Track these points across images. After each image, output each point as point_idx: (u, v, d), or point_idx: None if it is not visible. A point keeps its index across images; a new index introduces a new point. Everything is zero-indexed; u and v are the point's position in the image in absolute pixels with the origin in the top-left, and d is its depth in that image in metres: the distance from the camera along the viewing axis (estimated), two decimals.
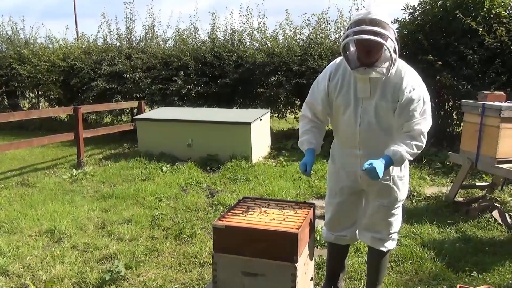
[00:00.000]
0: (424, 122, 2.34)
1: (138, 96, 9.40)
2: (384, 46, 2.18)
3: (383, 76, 2.29)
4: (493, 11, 6.67)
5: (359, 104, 2.41)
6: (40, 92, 11.76)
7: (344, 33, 2.31)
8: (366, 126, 2.41)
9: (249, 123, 6.65)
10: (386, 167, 2.31)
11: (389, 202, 2.54)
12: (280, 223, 2.35)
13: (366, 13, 2.21)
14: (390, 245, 2.66)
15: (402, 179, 2.55)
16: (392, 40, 2.18)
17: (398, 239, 3.72)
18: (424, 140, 2.36)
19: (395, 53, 2.20)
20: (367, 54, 2.25)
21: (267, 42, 9.09)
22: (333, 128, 2.64)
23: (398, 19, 7.72)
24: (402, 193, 2.57)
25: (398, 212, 2.61)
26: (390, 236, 2.63)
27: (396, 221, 2.63)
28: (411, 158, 2.39)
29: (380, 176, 2.25)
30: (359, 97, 2.40)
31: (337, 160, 2.66)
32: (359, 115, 2.41)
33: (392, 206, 2.55)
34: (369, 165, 2.24)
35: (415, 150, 2.34)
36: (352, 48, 2.32)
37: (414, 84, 2.32)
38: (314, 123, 2.61)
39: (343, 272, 2.97)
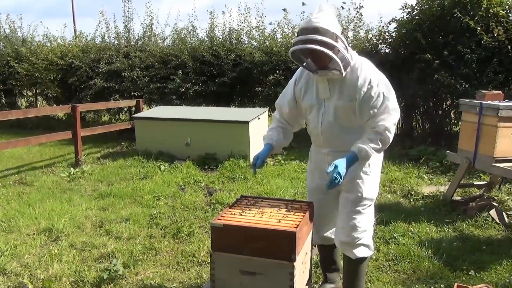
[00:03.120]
0: (388, 117, 2.32)
1: (136, 94, 9.39)
2: (326, 52, 2.19)
3: (340, 75, 2.33)
4: (491, 11, 6.67)
5: (322, 105, 2.48)
6: (38, 91, 11.72)
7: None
8: (327, 125, 2.47)
9: (247, 122, 6.64)
10: (350, 164, 2.34)
11: (354, 197, 2.49)
12: (278, 221, 2.35)
13: (307, 22, 2.27)
14: (361, 252, 2.52)
15: (368, 174, 2.50)
16: (334, 45, 2.20)
17: (395, 240, 3.74)
18: (390, 135, 2.35)
19: (341, 56, 2.24)
20: (314, 61, 2.32)
21: (265, 41, 9.08)
22: (307, 128, 2.70)
23: (396, 18, 7.74)
24: (366, 189, 2.49)
25: (364, 212, 2.51)
26: (357, 241, 2.50)
27: (361, 222, 2.49)
28: (378, 154, 2.41)
29: (340, 183, 2.29)
30: (320, 98, 2.48)
31: (313, 159, 2.74)
32: (320, 115, 2.48)
33: (357, 202, 2.48)
34: (334, 167, 2.27)
35: (380, 146, 2.35)
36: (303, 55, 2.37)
37: (371, 81, 2.32)
38: (280, 124, 2.70)
39: (338, 272, 2.97)
